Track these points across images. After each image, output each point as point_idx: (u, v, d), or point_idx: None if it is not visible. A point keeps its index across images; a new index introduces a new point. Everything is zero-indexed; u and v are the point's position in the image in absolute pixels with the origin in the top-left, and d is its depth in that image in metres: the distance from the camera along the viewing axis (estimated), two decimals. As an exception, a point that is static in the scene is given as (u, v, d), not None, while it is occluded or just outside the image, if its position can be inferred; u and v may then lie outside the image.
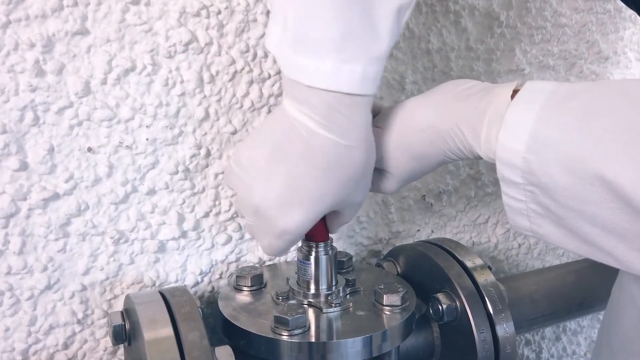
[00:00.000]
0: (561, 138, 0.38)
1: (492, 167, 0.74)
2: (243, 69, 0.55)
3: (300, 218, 0.45)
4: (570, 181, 0.37)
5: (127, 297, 0.49)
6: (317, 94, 0.41)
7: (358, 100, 0.42)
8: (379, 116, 0.50)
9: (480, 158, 0.44)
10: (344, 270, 0.58)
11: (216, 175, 0.57)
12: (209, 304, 0.59)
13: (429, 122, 0.45)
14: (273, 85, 0.57)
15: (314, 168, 0.43)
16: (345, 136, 0.43)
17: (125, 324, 0.48)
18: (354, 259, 0.63)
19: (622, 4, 0.79)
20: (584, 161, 0.37)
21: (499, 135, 0.41)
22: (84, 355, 0.54)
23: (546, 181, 0.39)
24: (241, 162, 0.47)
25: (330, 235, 0.52)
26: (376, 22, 0.41)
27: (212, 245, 0.58)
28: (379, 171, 0.49)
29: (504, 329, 0.53)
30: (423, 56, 0.66)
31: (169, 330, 0.44)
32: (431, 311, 0.55)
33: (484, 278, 0.55)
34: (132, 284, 0.55)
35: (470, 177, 0.73)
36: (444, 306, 0.53)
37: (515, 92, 0.42)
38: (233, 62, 0.55)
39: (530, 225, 0.42)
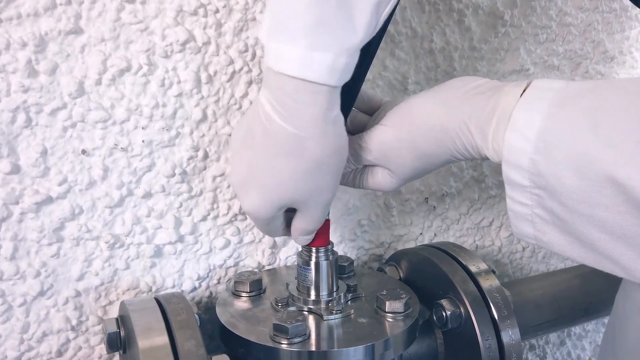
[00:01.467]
0: (570, 138, 0.36)
1: (496, 169, 0.73)
2: (242, 69, 0.54)
3: (257, 202, 0.45)
4: (579, 183, 0.36)
5: (122, 304, 0.48)
6: (282, 80, 0.40)
7: (321, 90, 0.40)
8: (380, 111, 0.49)
9: (488, 159, 0.43)
10: (345, 276, 0.57)
11: (214, 178, 0.55)
12: (207, 310, 0.58)
13: (436, 120, 0.44)
14: (272, 85, 0.56)
15: (267, 154, 0.43)
16: (298, 125, 0.41)
17: (120, 332, 0.47)
18: (355, 264, 0.61)
19: (629, 3, 0.77)
20: (594, 162, 0.35)
21: (505, 135, 0.39)
22: (79, 362, 0.53)
23: (554, 183, 0.37)
24: (230, 142, 0.51)
25: (329, 239, 0.51)
26: (353, 13, 0.39)
27: (210, 250, 0.57)
28: (380, 169, 0.48)
29: (510, 335, 0.52)
30: (426, 56, 0.65)
31: (164, 339, 0.43)
32: (435, 317, 0.53)
33: (489, 283, 0.54)
34: (128, 289, 0.54)
35: (474, 179, 0.72)
36: (448, 312, 0.52)
37: (525, 91, 0.41)
38: (231, 62, 0.53)
39: (535, 233, 0.41)
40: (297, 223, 0.48)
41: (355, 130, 0.49)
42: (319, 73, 0.39)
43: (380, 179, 0.48)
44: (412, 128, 0.45)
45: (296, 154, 0.42)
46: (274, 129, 0.42)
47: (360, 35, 0.40)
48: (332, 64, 0.39)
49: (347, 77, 0.41)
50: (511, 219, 0.42)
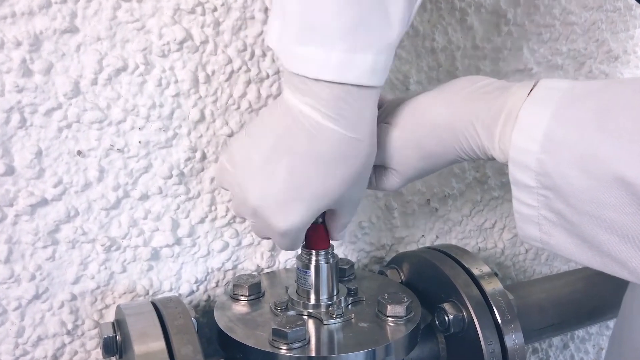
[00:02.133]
0: (578, 137, 0.36)
1: (498, 170, 0.72)
2: (240, 68, 0.53)
3: (300, 217, 0.43)
4: (586, 183, 0.35)
5: (118, 308, 0.47)
6: (324, 85, 0.39)
7: (366, 92, 0.40)
8: (384, 109, 0.48)
9: (494, 159, 0.42)
10: (346, 279, 0.56)
11: (212, 180, 0.54)
12: (205, 314, 0.57)
13: (443, 120, 0.43)
14: (271, 85, 0.55)
15: (319, 162, 0.42)
16: (353, 129, 0.41)
17: (116, 336, 0.46)
18: (355, 267, 0.60)
19: (633, 2, 0.77)
20: (602, 162, 0.34)
21: (512, 135, 0.39)
22: (74, 367, 0.52)
23: (561, 183, 0.37)
24: (235, 161, 0.45)
25: (331, 242, 0.50)
26: (388, 9, 0.39)
27: (208, 252, 0.56)
28: (383, 168, 0.47)
29: (513, 340, 0.51)
30: (428, 55, 0.64)
31: (160, 344, 0.42)
32: (437, 322, 0.53)
33: (492, 287, 0.53)
34: (124, 293, 0.53)
35: (476, 180, 0.71)
36: (451, 317, 0.51)
37: (532, 91, 0.40)
38: (230, 61, 0.53)
39: (541, 235, 0.40)
40: (336, 221, 0.48)
41: None
42: (364, 75, 0.39)
43: (383, 178, 0.48)
44: (416, 127, 0.44)
45: (351, 157, 0.42)
46: (325, 135, 0.41)
47: (396, 30, 0.39)
48: (373, 64, 0.39)
49: (386, 74, 0.41)
50: (517, 221, 0.41)
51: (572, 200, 0.36)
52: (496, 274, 0.56)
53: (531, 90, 0.39)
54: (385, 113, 0.47)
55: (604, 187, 0.35)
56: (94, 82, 0.48)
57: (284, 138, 0.42)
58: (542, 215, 0.39)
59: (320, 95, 0.40)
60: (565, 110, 0.37)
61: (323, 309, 0.49)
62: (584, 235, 0.37)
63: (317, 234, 0.48)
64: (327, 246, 0.50)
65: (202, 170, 0.54)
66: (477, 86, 0.43)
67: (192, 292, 0.56)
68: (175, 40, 0.50)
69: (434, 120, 0.43)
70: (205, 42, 0.51)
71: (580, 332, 0.87)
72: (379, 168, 0.47)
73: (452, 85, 0.45)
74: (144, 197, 0.52)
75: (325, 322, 0.48)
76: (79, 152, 0.49)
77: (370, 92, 0.41)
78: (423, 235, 0.69)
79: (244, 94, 0.54)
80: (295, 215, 0.43)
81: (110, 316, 0.52)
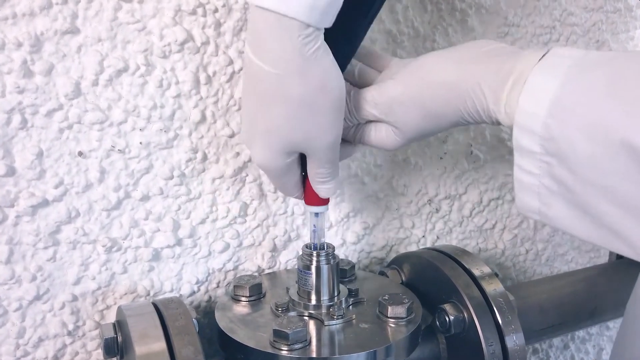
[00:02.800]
0: (586, 103, 0.35)
1: (499, 170, 0.72)
2: (241, 69, 0.53)
3: (262, 154, 0.44)
4: (592, 149, 0.35)
5: (119, 309, 0.47)
6: (258, 14, 0.38)
7: (294, 25, 0.38)
8: (390, 68, 0.48)
9: (499, 124, 0.41)
10: (346, 279, 0.56)
11: (213, 180, 0.54)
12: (206, 314, 0.57)
13: (449, 78, 0.42)
14: (272, 86, 0.55)
15: (258, 100, 0.42)
16: (272, 62, 0.40)
17: (117, 337, 0.46)
18: (356, 267, 0.60)
19: (633, 3, 0.77)
20: (609, 127, 0.34)
21: (519, 99, 0.38)
22: (75, 368, 0.52)
23: (566, 149, 0.36)
24: None
25: (326, 202, 0.49)
26: None
27: (209, 253, 0.56)
28: (384, 125, 0.47)
29: (514, 340, 0.51)
30: (428, 56, 0.64)
31: (161, 345, 0.42)
32: (437, 322, 0.53)
33: (493, 288, 0.53)
34: (125, 293, 0.53)
35: (477, 181, 0.71)
36: (451, 317, 0.51)
37: (543, 57, 0.39)
38: (231, 62, 0.53)
39: (540, 206, 0.39)
40: (309, 169, 0.47)
41: (364, 85, 0.48)
42: (296, 9, 0.37)
43: (384, 135, 0.47)
44: (421, 84, 0.43)
45: (279, 94, 0.41)
46: (253, 70, 0.41)
47: None
48: (312, 1, 0.37)
49: (328, 19, 0.39)
50: (516, 191, 0.40)
51: (576, 167, 0.36)
52: (497, 275, 0.56)
53: (543, 56, 0.39)
54: (392, 71, 0.46)
55: (610, 153, 0.34)
56: (95, 83, 0.48)
57: (242, 78, 0.43)
58: (543, 183, 0.38)
59: (252, 28, 0.40)
60: (576, 76, 0.36)
61: (324, 310, 0.49)
62: (585, 206, 0.37)
63: (306, 187, 0.48)
64: (317, 203, 0.49)
65: (203, 171, 0.54)
66: (487, 49, 0.42)
67: (193, 293, 0.56)
68: (176, 41, 0.50)
69: (440, 79, 0.42)
70: (206, 43, 0.51)
71: (580, 333, 0.87)
72: (380, 124, 0.47)
73: (462, 46, 0.44)
74: (145, 197, 0.52)
75: (326, 323, 0.48)
76: (80, 153, 0.49)
77: (295, 25, 0.38)
78: (424, 236, 0.69)
79: (244, 95, 0.54)
80: (258, 152, 0.44)
81: (111, 317, 0.52)
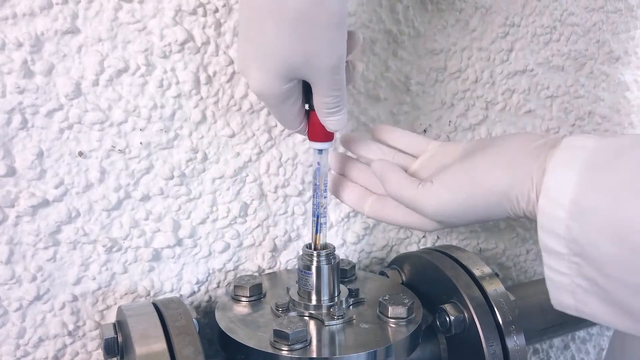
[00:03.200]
0: (606, 203, 0.34)
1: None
2: (241, 69, 0.53)
3: (257, 76, 0.41)
4: (619, 251, 0.34)
5: (120, 309, 0.47)
6: None
7: None
8: (422, 164, 0.47)
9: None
10: (347, 280, 0.56)
11: (213, 180, 0.54)
12: (206, 314, 0.57)
13: (502, 187, 0.41)
14: (273, 86, 0.55)
15: (251, 19, 0.40)
16: None
17: (117, 337, 0.46)
18: (356, 267, 0.60)
19: (634, 2, 0.76)
20: (633, 226, 0.33)
21: (539, 200, 0.37)
22: (75, 368, 0.52)
23: (591, 251, 0.35)
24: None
25: (330, 137, 0.47)
26: None
27: (209, 253, 0.56)
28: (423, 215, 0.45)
29: (514, 341, 0.51)
30: (429, 56, 0.64)
31: (161, 345, 0.42)
32: (438, 323, 0.52)
33: (493, 288, 0.53)
34: (126, 294, 0.53)
35: (477, 181, 0.71)
36: (452, 318, 0.51)
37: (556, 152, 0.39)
38: (231, 62, 0.53)
39: (576, 304, 0.38)
40: (315, 101, 0.44)
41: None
42: None
43: (417, 219, 0.46)
44: (475, 193, 0.42)
45: (274, 8, 0.38)
46: None
47: None
48: None
49: None
50: (550, 289, 0.39)
51: (604, 268, 0.35)
52: (497, 275, 0.56)
53: (557, 148, 0.38)
54: (427, 169, 0.45)
55: (636, 253, 0.33)
56: (95, 83, 0.48)
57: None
58: (576, 282, 0.37)
59: None
60: (593, 173, 0.35)
61: (324, 310, 0.49)
62: (619, 302, 0.36)
63: (309, 121, 0.47)
64: (321, 138, 0.47)
65: (204, 171, 0.54)
66: (532, 147, 0.41)
67: (193, 293, 0.56)
68: (176, 41, 0.50)
69: (493, 188, 0.41)
70: (206, 43, 0.51)
71: (581, 333, 0.86)
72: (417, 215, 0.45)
73: (509, 144, 0.43)
74: (145, 198, 0.52)
75: (326, 323, 0.48)
76: (80, 153, 0.49)
77: None
78: (424, 236, 0.69)
79: (245, 95, 0.54)
80: (254, 78, 0.42)
81: (111, 317, 0.52)
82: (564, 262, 0.37)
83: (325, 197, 0.49)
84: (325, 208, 0.50)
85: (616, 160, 0.35)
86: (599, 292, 0.36)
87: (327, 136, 0.47)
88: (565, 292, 0.38)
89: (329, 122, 0.45)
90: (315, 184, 0.49)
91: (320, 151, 0.48)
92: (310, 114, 0.46)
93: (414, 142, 0.51)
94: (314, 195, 0.49)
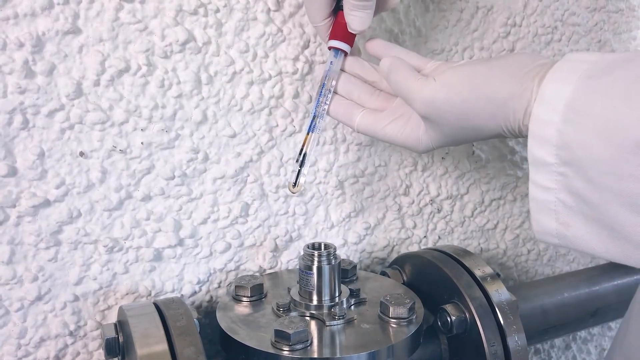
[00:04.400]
0: (601, 105, 0.34)
1: (501, 170, 0.72)
2: (242, 69, 0.53)
3: None
4: (608, 152, 0.34)
5: (121, 309, 0.47)
6: None
7: None
8: (437, 68, 0.46)
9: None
10: (348, 280, 0.56)
11: (214, 180, 0.54)
12: (207, 314, 0.57)
13: (501, 96, 0.40)
14: (274, 86, 0.55)
15: None
16: None
17: (118, 337, 0.46)
18: (357, 267, 0.60)
19: (636, 2, 0.76)
20: (625, 128, 0.33)
21: (533, 108, 0.38)
22: (77, 368, 0.52)
23: (581, 155, 0.35)
24: None
25: (351, 40, 0.47)
26: None
27: (210, 253, 0.56)
28: (414, 124, 0.46)
29: (516, 341, 0.51)
30: (430, 56, 0.64)
31: (163, 346, 0.42)
32: (439, 323, 0.53)
33: (495, 288, 0.53)
34: (127, 294, 0.53)
35: (478, 181, 0.71)
36: (453, 318, 0.51)
37: (556, 64, 0.39)
38: (232, 62, 0.53)
39: (557, 227, 0.38)
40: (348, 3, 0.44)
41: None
42: None
43: (410, 133, 0.46)
44: (470, 96, 0.41)
45: None
46: None
47: None
48: None
49: None
50: (532, 211, 0.39)
51: (592, 174, 0.35)
52: (498, 275, 0.56)
53: (557, 63, 0.39)
54: (437, 71, 0.45)
55: (626, 155, 0.33)
56: (97, 83, 0.48)
57: None
58: (560, 199, 0.38)
59: None
60: (590, 81, 0.36)
61: (325, 310, 0.49)
62: (604, 218, 0.36)
63: (336, 21, 0.47)
64: (342, 38, 0.47)
65: (205, 171, 0.54)
66: (536, 64, 0.41)
67: (194, 293, 0.56)
68: (177, 41, 0.50)
69: (491, 95, 0.41)
70: (207, 43, 0.51)
71: (582, 333, 0.86)
72: (410, 120, 0.46)
73: (513, 59, 0.42)
74: (147, 198, 0.52)
75: (327, 323, 0.48)
76: (82, 154, 0.49)
77: None
78: (425, 236, 0.69)
79: (246, 95, 0.54)
80: None
81: (112, 317, 0.52)
82: (551, 174, 0.37)
83: (327, 102, 0.49)
84: (324, 110, 0.50)
85: (612, 70, 0.35)
86: (583, 208, 0.36)
87: (347, 38, 0.47)
88: (549, 212, 0.38)
89: (353, 17, 0.45)
90: (323, 84, 0.49)
91: (336, 53, 0.48)
92: (337, 14, 0.47)
93: (414, 59, 0.50)
94: (318, 93, 0.49)
